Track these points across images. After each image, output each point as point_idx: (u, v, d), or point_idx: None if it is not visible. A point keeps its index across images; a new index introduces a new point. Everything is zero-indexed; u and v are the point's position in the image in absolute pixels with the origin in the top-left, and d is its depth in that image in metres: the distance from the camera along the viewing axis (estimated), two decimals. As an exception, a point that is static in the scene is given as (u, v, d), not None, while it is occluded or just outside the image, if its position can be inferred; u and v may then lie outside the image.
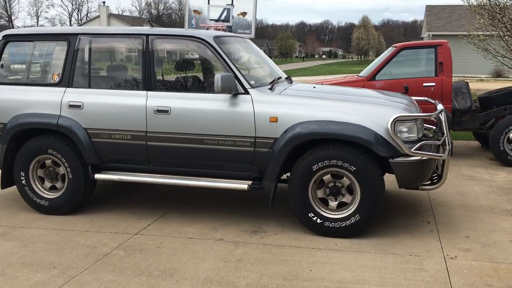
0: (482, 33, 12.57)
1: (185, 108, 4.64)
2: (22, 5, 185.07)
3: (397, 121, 4.22)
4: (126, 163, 4.97)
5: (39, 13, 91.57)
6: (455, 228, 4.69)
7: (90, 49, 5.03)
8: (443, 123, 4.57)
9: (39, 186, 5.17)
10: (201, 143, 4.63)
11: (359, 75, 8.18)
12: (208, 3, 9.77)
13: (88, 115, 4.87)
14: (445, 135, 4.53)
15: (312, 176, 4.41)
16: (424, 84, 7.23)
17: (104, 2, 69.95)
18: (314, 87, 5.23)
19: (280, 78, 5.26)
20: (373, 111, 4.35)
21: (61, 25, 79.49)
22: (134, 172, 5.00)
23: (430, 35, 32.17)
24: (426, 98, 5.52)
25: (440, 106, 4.68)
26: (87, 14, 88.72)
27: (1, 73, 5.29)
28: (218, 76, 4.41)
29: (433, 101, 5.31)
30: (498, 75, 29.99)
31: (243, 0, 9.61)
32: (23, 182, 5.14)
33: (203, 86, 4.99)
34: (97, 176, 4.97)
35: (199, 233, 4.62)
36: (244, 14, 9.63)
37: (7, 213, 5.23)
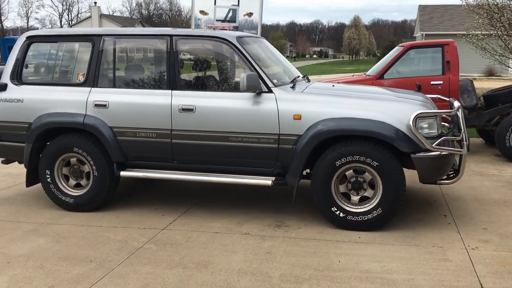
0: (480, 32, 12.80)
1: (210, 107, 4.78)
2: (12, 6, 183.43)
3: (418, 117, 4.39)
4: (151, 161, 5.09)
5: (29, 14, 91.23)
6: (471, 221, 4.87)
7: (114, 49, 5.15)
8: (460, 120, 4.73)
9: (64, 184, 5.28)
10: (226, 140, 4.76)
11: (367, 73, 8.35)
12: (215, 4, 9.88)
13: (113, 114, 4.99)
14: (462, 131, 4.69)
15: (335, 172, 4.56)
16: (432, 83, 7.41)
17: (95, 3, 69.81)
18: (333, 85, 5.39)
19: (298, 76, 5.40)
20: (394, 108, 4.52)
21: (51, 26, 79.06)
22: (157, 169, 5.12)
23: (424, 35, 32.50)
24: (439, 96, 5.70)
25: (456, 103, 4.85)
26: (77, 15, 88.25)
27: (26, 73, 5.39)
28: (244, 76, 4.55)
29: (447, 99, 5.47)
30: (490, 73, 30.37)
31: (249, 0, 9.74)
32: (48, 180, 5.24)
33: (227, 85, 5.12)
34: (122, 173, 5.09)
35: (224, 227, 4.75)
36: (250, 14, 9.77)
37: (32, 210, 5.33)
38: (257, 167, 4.84)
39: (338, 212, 4.60)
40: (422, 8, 35.80)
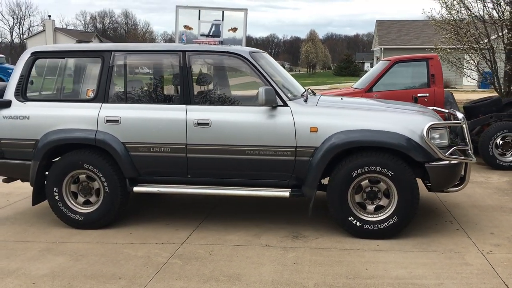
0: (448, 46, 13.35)
1: (226, 121, 4.83)
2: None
3: (431, 128, 4.59)
4: (164, 175, 5.09)
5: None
6: (477, 227, 5.09)
7: (125, 65, 5.14)
8: (465, 130, 4.97)
9: (72, 201, 5.20)
10: (242, 153, 4.82)
11: (354, 87, 8.60)
12: (199, 19, 9.95)
13: (126, 129, 4.96)
14: (467, 140, 4.93)
15: (352, 182, 4.70)
16: (419, 95, 7.72)
17: (49, 16, 68.45)
18: (342, 98, 5.55)
19: (306, 90, 5.54)
20: (407, 120, 4.71)
21: (1, 40, 76.87)
22: (170, 184, 5.12)
23: (382, 49, 33.51)
24: (435, 108, 5.95)
25: (460, 115, 5.09)
26: (29, 29, 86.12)
27: (31, 90, 5.29)
28: (262, 90, 4.64)
29: (445, 110, 5.73)
30: (445, 86, 31.50)
31: (234, 16, 9.86)
32: (56, 197, 5.15)
33: (241, 99, 5.19)
34: (135, 189, 5.06)
35: (243, 240, 4.80)
36: (234, 29, 9.86)
37: (38, 229, 5.21)
38: (273, 179, 4.92)
39: (355, 221, 4.73)
40: (380, 23, 36.93)
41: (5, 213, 5.84)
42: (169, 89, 5.14)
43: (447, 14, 13.69)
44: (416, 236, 4.82)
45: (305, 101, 5.00)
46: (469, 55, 13.14)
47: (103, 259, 4.40)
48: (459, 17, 13.29)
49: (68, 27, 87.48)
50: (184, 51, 5.03)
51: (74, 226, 5.18)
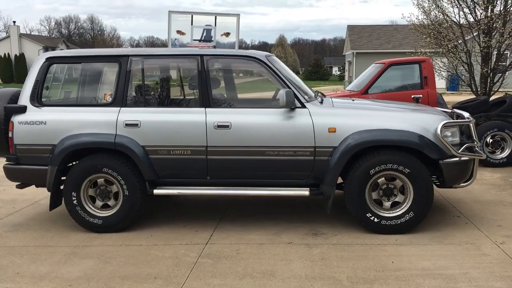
0: (428, 50, 13.80)
1: (246, 123, 4.95)
2: None
3: (444, 126, 4.82)
4: (183, 177, 5.17)
5: None
6: (484, 220, 5.35)
7: (142, 69, 5.21)
8: (472, 128, 5.22)
9: (90, 206, 5.22)
10: (262, 154, 4.95)
11: (349, 89, 8.85)
12: (192, 24, 10.03)
13: (146, 133, 5.03)
14: (474, 137, 5.18)
15: (369, 179, 4.88)
16: (413, 96, 8.00)
17: (14, 22, 67.03)
18: (353, 100, 5.74)
19: (317, 93, 5.71)
20: (421, 119, 4.92)
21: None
22: (188, 186, 5.20)
23: (354, 53, 34.13)
24: (436, 108, 6.20)
25: (466, 114, 5.35)
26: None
27: (46, 95, 5.31)
28: (283, 92, 4.79)
29: (448, 110, 5.99)
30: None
31: (227, 21, 9.98)
32: (75, 202, 5.16)
33: (259, 101, 5.32)
34: (156, 191, 5.12)
35: (265, 239, 4.92)
36: (227, 34, 9.97)
37: (56, 234, 5.22)
38: (292, 179, 5.06)
39: (373, 217, 4.91)
40: (351, 28, 37.62)
41: (16, 219, 5.80)
42: (187, 93, 5.23)
43: (425, 19, 14.17)
44: (430, 230, 5.04)
45: (321, 102, 5.17)
46: (447, 58, 13.61)
47: (132, 260, 4.45)
48: (437, 21, 13.77)
49: (32, 33, 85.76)
50: (202, 55, 5.13)
51: (92, 230, 5.20)
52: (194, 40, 10.30)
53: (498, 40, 13.22)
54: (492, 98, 10.78)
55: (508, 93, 9.05)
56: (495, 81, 13.84)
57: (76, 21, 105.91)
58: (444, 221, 5.33)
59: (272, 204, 6.05)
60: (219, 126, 4.96)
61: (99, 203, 5.23)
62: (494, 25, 12.93)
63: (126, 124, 5.04)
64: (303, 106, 4.98)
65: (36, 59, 5.34)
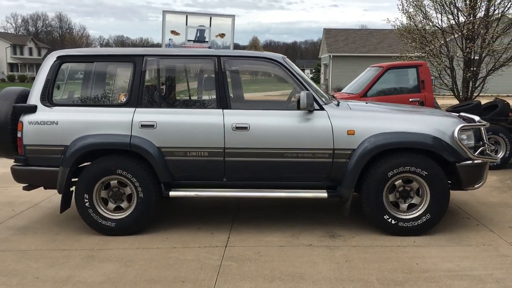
0: (414, 54, 14.03)
1: (265, 125, 4.93)
2: None
3: (460, 129, 4.90)
4: (198, 180, 5.11)
5: None
6: (493, 221, 5.46)
7: (158, 70, 5.14)
8: (483, 132, 5.32)
9: (102, 208, 5.11)
10: (281, 156, 4.93)
11: (347, 92, 8.90)
12: (186, 24, 9.94)
13: (162, 134, 4.95)
14: (484, 141, 5.28)
15: (387, 182, 4.92)
16: (410, 99, 8.11)
17: (-20, 20, 65.29)
18: (367, 103, 5.78)
19: (331, 95, 5.73)
20: (438, 122, 4.99)
21: None
22: (202, 188, 5.15)
23: (331, 56, 34.46)
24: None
25: (476, 117, 5.45)
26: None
27: (58, 95, 5.17)
28: (304, 94, 4.79)
29: (455, 114, 6.08)
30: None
31: (221, 22, 9.93)
32: (87, 204, 5.05)
33: (276, 103, 5.30)
34: (172, 193, 5.04)
35: (284, 241, 4.90)
36: (222, 35, 9.93)
37: (67, 237, 5.08)
38: (309, 181, 5.06)
39: (390, 219, 4.95)
40: (327, 32, 37.96)
41: (19, 222, 5.63)
42: (204, 94, 5.17)
43: (407, 23, 14.41)
44: (445, 231, 5.11)
45: (337, 105, 5.18)
46: (432, 63, 13.85)
47: (155, 264, 4.37)
48: (422, 27, 14.01)
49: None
50: (219, 56, 5.09)
51: (105, 233, 5.09)
52: (188, 40, 10.24)
53: (480, 46, 13.54)
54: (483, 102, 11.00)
55: (498, 97, 9.28)
56: (476, 86, 14.16)
57: (44, 18, 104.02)
58: (456, 223, 5.41)
59: (282, 206, 6.03)
60: (237, 128, 4.92)
61: (111, 205, 5.12)
62: (477, 31, 13.23)
63: (142, 125, 4.95)
64: (322, 109, 4.99)
65: (46, 58, 5.20)
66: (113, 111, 5.05)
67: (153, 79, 5.13)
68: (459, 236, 5.00)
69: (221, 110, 5.00)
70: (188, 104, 5.14)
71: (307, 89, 4.99)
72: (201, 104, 5.09)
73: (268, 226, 5.34)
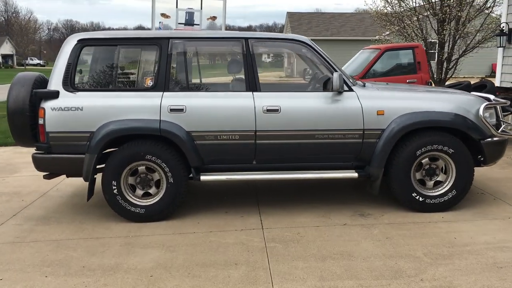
0: (392, 38, 14.28)
1: (295, 107, 4.94)
2: None
3: (485, 108, 5.06)
4: (228, 163, 5.08)
5: None
6: (507, 195, 5.71)
7: (185, 53, 5.05)
8: (499, 110, 5.51)
9: (130, 195, 5.02)
10: (312, 138, 4.97)
11: (344, 74, 9.00)
12: (176, 7, 9.78)
13: (191, 118, 4.88)
14: (500, 118, 5.48)
15: (415, 160, 5.04)
16: (407, 80, 8.29)
17: None
18: (387, 84, 5.87)
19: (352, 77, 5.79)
20: (463, 100, 5.14)
21: None
22: (231, 171, 5.13)
23: (296, 40, 34.54)
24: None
25: (492, 96, 5.64)
26: None
27: (82, 80, 5.01)
28: (336, 75, 4.83)
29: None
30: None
31: (213, 4, 9.81)
32: (115, 191, 4.94)
33: (306, 84, 5.31)
34: (202, 178, 5.00)
35: (318, 221, 4.96)
36: (214, 18, 9.82)
37: (95, 225, 4.97)
38: (339, 161, 5.13)
39: (418, 197, 5.08)
40: (291, 15, 38.03)
41: (36, 212, 5.46)
42: (232, 76, 5.12)
43: (383, 6, 14.64)
44: (467, 207, 5.29)
45: (364, 86, 5.25)
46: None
47: (199, 248, 4.34)
48: (397, 9, 14.27)
49: None
50: (247, 38, 5.04)
51: (133, 219, 5.01)
52: (179, 23, 10.08)
53: (454, 28, 13.92)
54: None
55: (466, 79, 9.64)
56: (450, 67, 14.59)
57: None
58: (473, 198, 5.61)
59: (298, 188, 6.09)
60: (268, 110, 4.91)
61: (139, 191, 5.04)
62: (451, 14, 13.59)
63: (171, 109, 4.87)
64: (350, 90, 5.05)
65: (66, 41, 5.02)
66: (139, 95, 4.93)
67: (180, 62, 5.04)
68: (482, 210, 5.19)
69: (251, 92, 4.98)
70: (217, 87, 5.09)
71: (336, 70, 5.03)
72: (230, 87, 5.04)
73: (295, 208, 5.38)
